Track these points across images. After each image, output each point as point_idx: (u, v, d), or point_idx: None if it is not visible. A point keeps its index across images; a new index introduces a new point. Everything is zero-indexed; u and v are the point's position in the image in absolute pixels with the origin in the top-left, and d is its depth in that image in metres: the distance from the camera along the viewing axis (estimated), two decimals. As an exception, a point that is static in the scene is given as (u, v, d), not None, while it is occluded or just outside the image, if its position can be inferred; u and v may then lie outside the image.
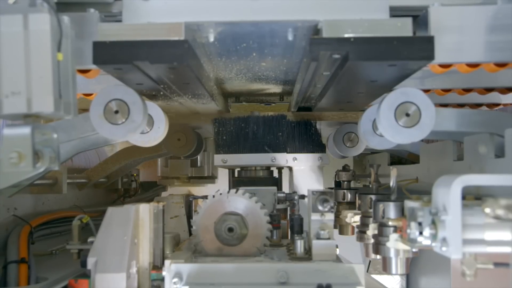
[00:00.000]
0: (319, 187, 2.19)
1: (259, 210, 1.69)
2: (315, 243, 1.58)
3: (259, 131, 2.16)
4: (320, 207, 1.61)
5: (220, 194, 1.70)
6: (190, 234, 2.17)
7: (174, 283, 1.47)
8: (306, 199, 1.83)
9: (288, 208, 2.12)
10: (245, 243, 1.67)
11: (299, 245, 1.63)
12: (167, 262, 1.50)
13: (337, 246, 1.61)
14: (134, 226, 1.60)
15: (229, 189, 1.75)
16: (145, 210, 1.65)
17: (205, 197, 1.74)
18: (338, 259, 1.56)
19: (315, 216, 1.62)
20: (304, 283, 1.44)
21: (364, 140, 1.60)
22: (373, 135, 1.53)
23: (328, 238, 1.58)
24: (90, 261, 1.52)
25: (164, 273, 1.50)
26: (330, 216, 1.61)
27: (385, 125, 1.35)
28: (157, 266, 1.66)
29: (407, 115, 1.34)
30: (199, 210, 1.70)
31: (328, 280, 1.42)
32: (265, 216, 1.70)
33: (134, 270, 1.60)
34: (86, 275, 1.54)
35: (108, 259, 1.53)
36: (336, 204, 2.31)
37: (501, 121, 1.39)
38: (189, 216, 2.28)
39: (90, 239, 1.66)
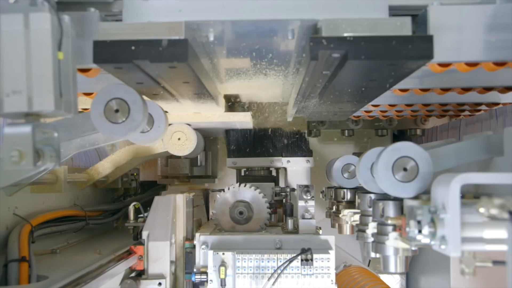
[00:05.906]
0: (307, 183, 2.81)
1: (262, 199, 2.34)
2: (301, 221, 2.26)
3: (261, 140, 2.82)
4: (304, 196, 2.26)
5: (233, 187, 2.35)
6: (208, 219, 3.05)
7: (202, 248, 2.16)
8: (295, 192, 2.41)
9: (284, 199, 2.77)
10: (251, 223, 2.32)
11: (290, 223, 2.35)
12: (197, 234, 2.21)
13: (320, 228, 2.34)
14: (173, 210, 2.42)
15: (239, 184, 2.36)
16: (180, 199, 2.51)
17: (222, 190, 2.38)
18: (317, 233, 2.22)
19: (301, 203, 2.28)
20: (293, 248, 2.13)
21: (367, 188, 1.61)
22: (375, 182, 1.45)
23: (310, 218, 2.25)
24: (144, 234, 2.36)
25: (195, 242, 2.20)
26: (312, 203, 2.27)
27: (387, 186, 1.32)
28: (189, 239, 2.48)
29: (405, 169, 1.31)
30: (218, 199, 2.35)
31: (309, 246, 2.09)
32: (266, 203, 2.34)
33: (173, 240, 2.42)
34: (141, 243, 2.35)
35: (157, 232, 2.37)
36: (336, 202, 2.38)
37: (496, 143, 1.32)
38: (206, 206, 3.06)
39: (140, 219, 2.51)
